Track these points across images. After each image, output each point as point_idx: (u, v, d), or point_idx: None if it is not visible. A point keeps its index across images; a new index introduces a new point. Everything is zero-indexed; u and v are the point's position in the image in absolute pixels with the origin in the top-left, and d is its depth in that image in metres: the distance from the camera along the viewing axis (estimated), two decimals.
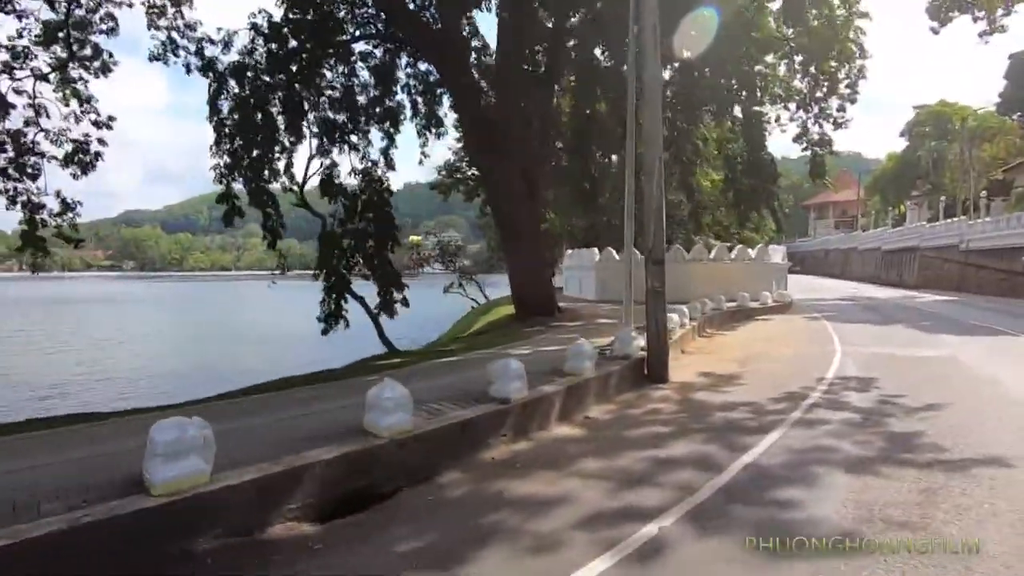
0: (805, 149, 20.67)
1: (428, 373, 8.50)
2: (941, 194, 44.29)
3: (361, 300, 13.79)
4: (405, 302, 14.70)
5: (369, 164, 14.98)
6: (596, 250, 22.70)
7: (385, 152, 17.14)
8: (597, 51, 15.24)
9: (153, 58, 14.87)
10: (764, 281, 20.62)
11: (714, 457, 5.16)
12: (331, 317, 14.08)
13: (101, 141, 13.60)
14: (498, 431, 5.57)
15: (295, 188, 15.94)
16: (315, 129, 15.03)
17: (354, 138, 14.91)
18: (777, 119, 22.52)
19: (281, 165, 16.14)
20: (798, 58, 20.03)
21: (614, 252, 21.93)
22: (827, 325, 15.38)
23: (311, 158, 15.39)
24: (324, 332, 14.30)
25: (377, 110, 16.95)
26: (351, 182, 15.86)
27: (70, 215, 12.46)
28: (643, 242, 8.65)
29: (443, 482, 4.70)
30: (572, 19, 14.35)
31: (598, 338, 9.44)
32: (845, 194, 73.88)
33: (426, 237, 37.47)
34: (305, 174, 14.83)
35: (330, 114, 15.16)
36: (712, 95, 15.68)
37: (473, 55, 15.61)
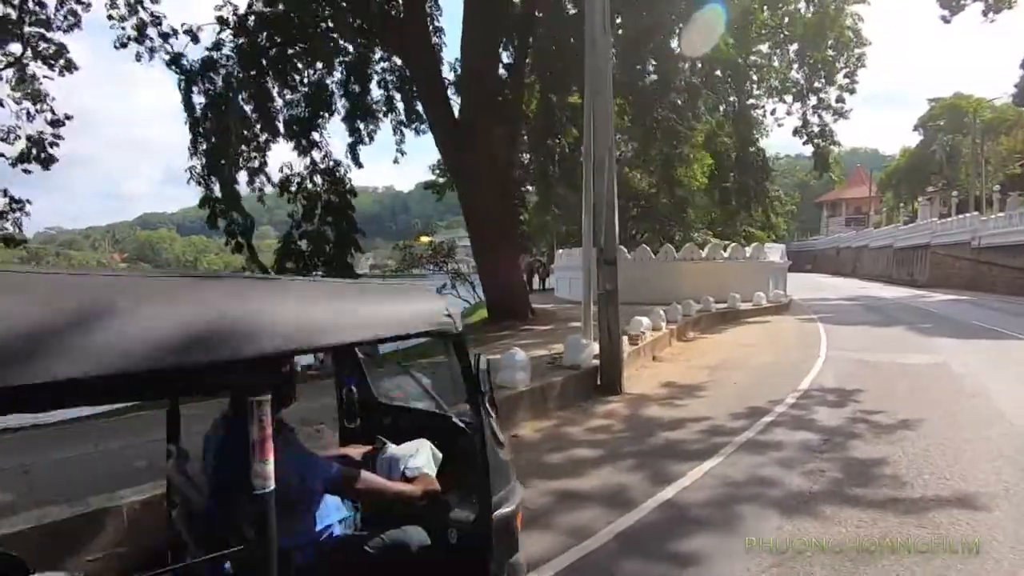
0: (806, 142, 19.74)
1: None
2: (956, 189, 42.80)
3: None
4: None
5: (331, 163, 14.36)
6: (578, 250, 21.88)
7: (352, 148, 16.57)
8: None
9: (121, 45, 14.28)
10: (760, 281, 19.70)
11: (632, 491, 4.44)
12: None
13: (56, 138, 13.16)
14: None
15: (270, 187, 15.36)
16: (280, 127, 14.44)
17: (316, 135, 14.31)
18: (773, 112, 21.68)
19: (257, 163, 15.66)
20: (792, 47, 19.11)
21: None
22: (820, 328, 14.49)
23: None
24: None
25: (348, 105, 16.38)
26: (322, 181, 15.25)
27: (16, 214, 12.01)
28: (595, 240, 7.90)
29: None
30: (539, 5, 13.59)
31: (561, 344, 8.73)
32: (859, 190, 72.31)
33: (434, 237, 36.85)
34: (251, 174, 14.12)
35: (294, 111, 14.53)
36: (693, 85, 14.78)
37: (439, 45, 14.93)
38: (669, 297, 16.97)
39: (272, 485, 1.38)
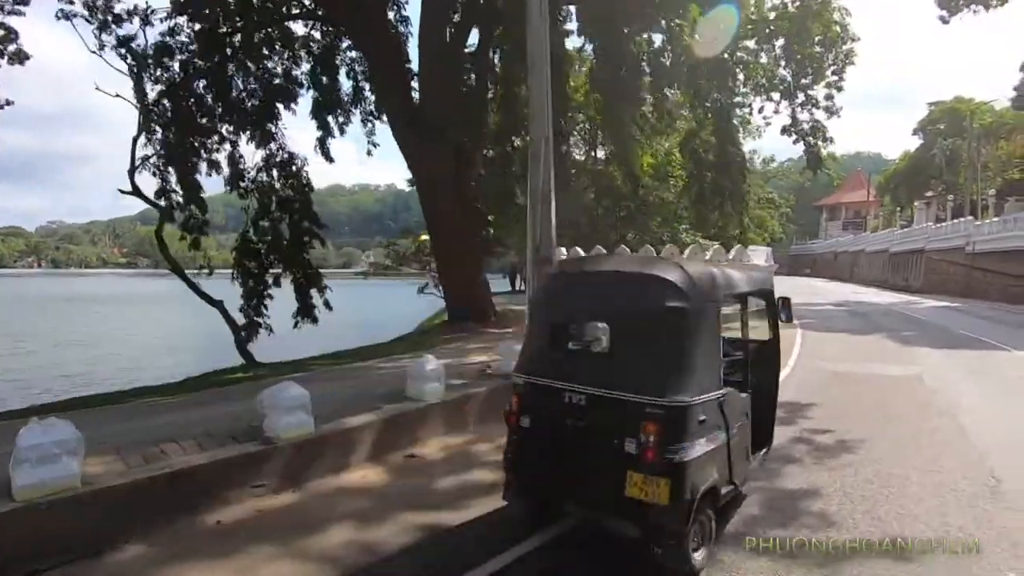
0: (796, 140, 19.04)
1: (223, 397, 7.06)
2: (957, 194, 42.02)
3: (219, 305, 12.41)
4: (327, 305, 13.37)
5: (286, 156, 13.68)
6: (563, 249, 21.18)
7: (322, 142, 15.93)
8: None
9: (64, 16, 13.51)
10: None
11: (513, 527, 3.79)
12: (249, 326, 12.74)
13: None
14: (251, 481, 4.26)
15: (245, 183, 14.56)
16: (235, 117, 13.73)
17: (271, 127, 13.58)
18: (761, 110, 20.99)
19: (222, 157, 14.97)
20: (779, 42, 18.43)
21: (580, 251, 20.48)
22: (798, 334, 13.80)
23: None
24: (243, 341, 12.70)
25: (317, 97, 15.73)
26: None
27: None
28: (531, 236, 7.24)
29: (114, 561, 3.41)
30: None
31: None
32: (858, 194, 71.51)
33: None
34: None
35: (252, 101, 13.83)
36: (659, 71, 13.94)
37: (405, 35, 14.25)
38: None
39: None
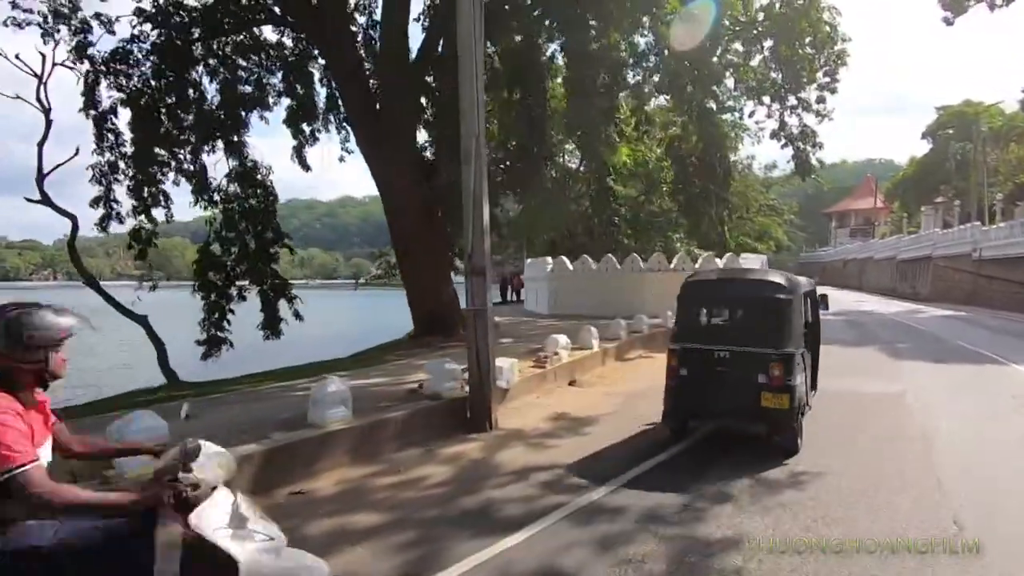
0: (784, 145, 18.41)
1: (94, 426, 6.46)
2: (968, 199, 40.90)
3: (143, 321, 11.92)
4: (297, 316, 12.90)
5: (249, 166, 13.24)
6: (549, 259, 20.66)
7: (298, 151, 15.52)
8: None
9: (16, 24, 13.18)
10: None
11: None
12: (210, 342, 12.31)
13: None
14: None
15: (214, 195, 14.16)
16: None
17: (235, 137, 13.17)
18: (752, 115, 20.39)
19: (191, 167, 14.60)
20: (768, 43, 17.85)
21: (567, 261, 19.91)
22: None
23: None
24: (204, 357, 12.37)
25: (292, 105, 15.37)
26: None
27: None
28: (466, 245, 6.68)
29: None
30: None
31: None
32: (868, 201, 70.22)
33: None
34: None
35: (220, 111, 13.44)
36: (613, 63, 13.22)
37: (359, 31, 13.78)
38: (634, 310, 15.74)
39: None
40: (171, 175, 14.10)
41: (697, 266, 18.83)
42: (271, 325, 12.76)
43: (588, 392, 8.65)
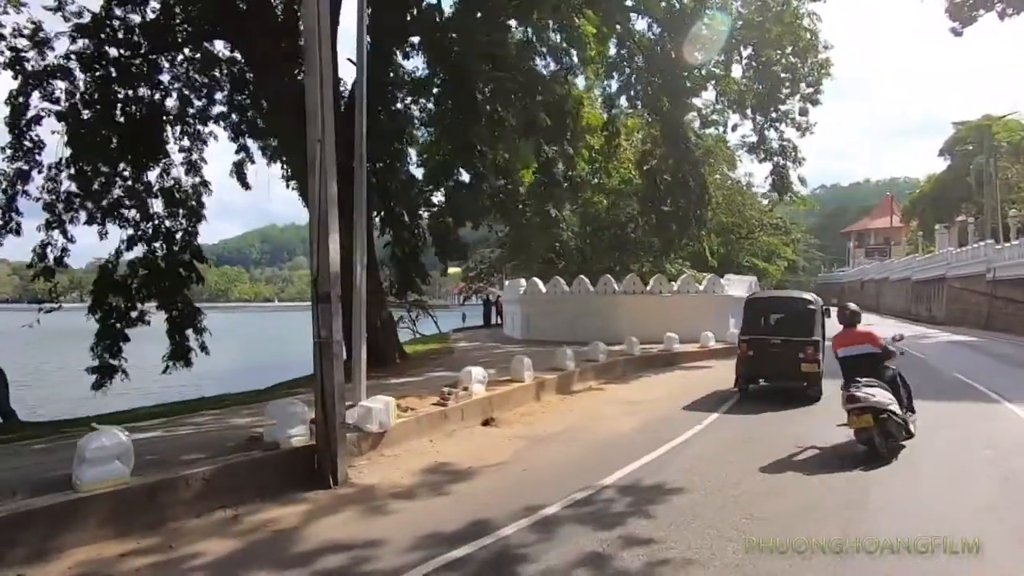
0: (763, 159, 17.29)
1: None
2: (979, 216, 38.89)
3: None
4: (203, 348, 11.99)
5: (171, 182, 12.56)
6: (523, 281, 19.64)
7: (239, 167, 14.92)
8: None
9: None
10: (716, 317, 16.98)
11: None
12: (101, 370, 11.34)
13: None
14: None
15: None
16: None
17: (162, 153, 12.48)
18: (735, 128, 19.31)
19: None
20: (746, 51, 16.84)
21: (539, 283, 18.87)
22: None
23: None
24: (95, 387, 11.35)
25: (236, 120, 14.84)
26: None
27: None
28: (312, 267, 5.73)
29: None
30: None
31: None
32: (887, 220, 67.94)
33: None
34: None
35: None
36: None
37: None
38: (608, 335, 14.65)
39: None
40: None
41: (675, 288, 17.66)
42: (178, 354, 11.81)
43: (494, 434, 7.55)
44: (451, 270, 36.86)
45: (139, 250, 11.76)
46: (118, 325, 11.39)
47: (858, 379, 6.23)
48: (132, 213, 11.73)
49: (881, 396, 6.00)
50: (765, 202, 38.71)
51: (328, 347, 5.52)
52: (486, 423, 8.07)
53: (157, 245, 11.82)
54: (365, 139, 6.96)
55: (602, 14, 11.91)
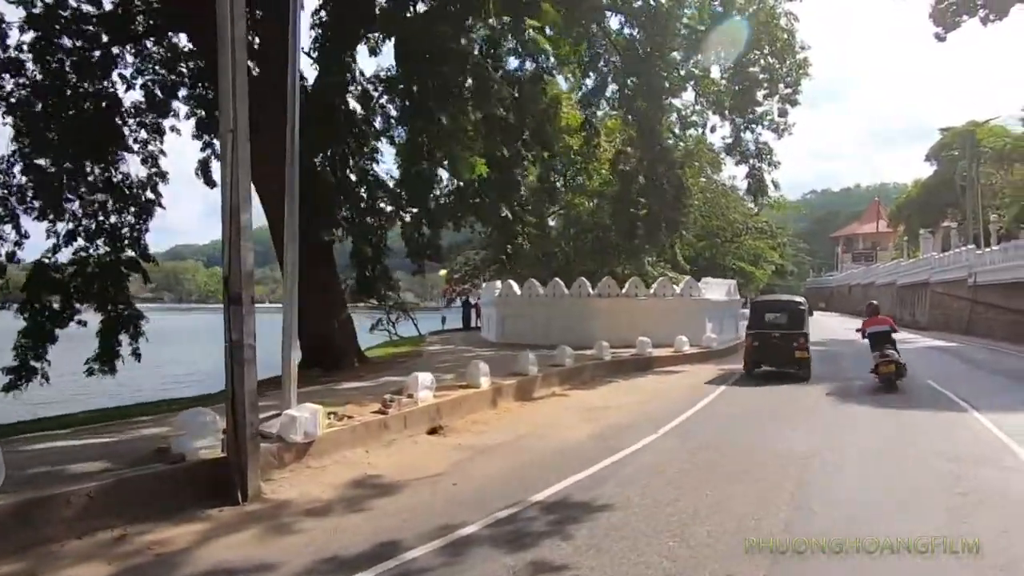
0: (739, 162, 17.06)
1: None
2: (970, 221, 38.91)
3: None
4: (136, 355, 11.33)
5: (120, 177, 12.04)
6: (498, 283, 19.28)
7: (204, 165, 14.44)
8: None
9: None
10: (692, 321, 16.70)
11: None
12: (21, 371, 10.57)
13: None
14: None
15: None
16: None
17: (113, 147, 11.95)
18: (714, 129, 19.08)
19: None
20: (723, 51, 16.61)
21: (515, 285, 18.52)
22: (723, 384, 11.63)
23: None
24: (5, 389, 10.58)
25: (202, 114, 14.38)
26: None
27: None
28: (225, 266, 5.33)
29: None
30: None
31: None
32: (874, 225, 68.19)
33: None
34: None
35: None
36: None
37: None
38: (582, 339, 14.34)
39: None
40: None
41: (652, 291, 17.36)
42: (105, 358, 11.21)
43: (438, 444, 7.17)
44: (443, 272, 36.38)
45: (83, 248, 11.17)
46: (48, 325, 10.81)
47: (885, 345, 10.76)
48: (75, 207, 11.18)
49: (896, 355, 10.63)
50: (751, 205, 38.71)
51: (239, 351, 5.13)
52: (433, 431, 7.70)
53: (100, 242, 11.28)
54: (297, 134, 6.58)
55: (563, 10, 11.55)
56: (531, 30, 10.74)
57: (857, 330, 12.02)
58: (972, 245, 27.10)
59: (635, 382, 12.11)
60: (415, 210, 15.14)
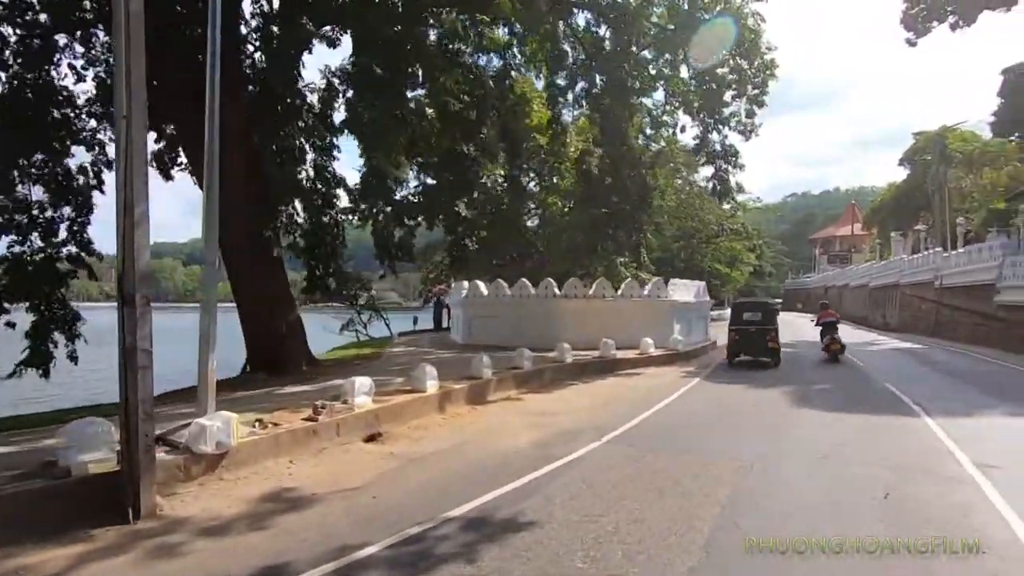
0: (705, 163, 16.95)
1: None
2: (938, 224, 39.53)
3: None
4: (71, 358, 10.63)
5: (61, 173, 11.43)
6: (466, 282, 18.94)
7: (159, 157, 13.89)
8: None
9: None
10: (659, 323, 16.53)
11: None
12: None
13: None
14: None
15: None
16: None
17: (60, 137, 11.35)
18: (684, 129, 18.95)
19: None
20: (692, 52, 16.46)
21: (481, 285, 18.21)
22: (682, 388, 11.45)
23: None
24: None
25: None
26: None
27: None
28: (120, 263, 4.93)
29: None
30: None
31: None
32: (850, 228, 69.16)
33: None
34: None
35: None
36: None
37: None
38: (548, 341, 14.09)
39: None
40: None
41: (619, 293, 17.16)
42: (38, 358, 10.63)
43: (371, 452, 6.83)
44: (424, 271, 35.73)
45: (15, 243, 10.55)
46: None
47: (832, 331, 15.60)
48: (4, 201, 10.57)
49: (839, 338, 15.28)
50: (726, 206, 38.84)
51: (133, 356, 4.75)
52: (371, 439, 7.35)
53: (33, 237, 10.68)
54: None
55: (520, 6, 11.26)
56: (485, 26, 10.43)
57: (812, 321, 17.13)
58: (939, 248, 27.43)
59: (594, 385, 11.87)
60: (369, 207, 14.77)
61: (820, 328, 16.11)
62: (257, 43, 11.35)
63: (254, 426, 6.51)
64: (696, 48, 16.30)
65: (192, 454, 5.48)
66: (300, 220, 13.03)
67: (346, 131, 13.42)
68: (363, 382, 7.71)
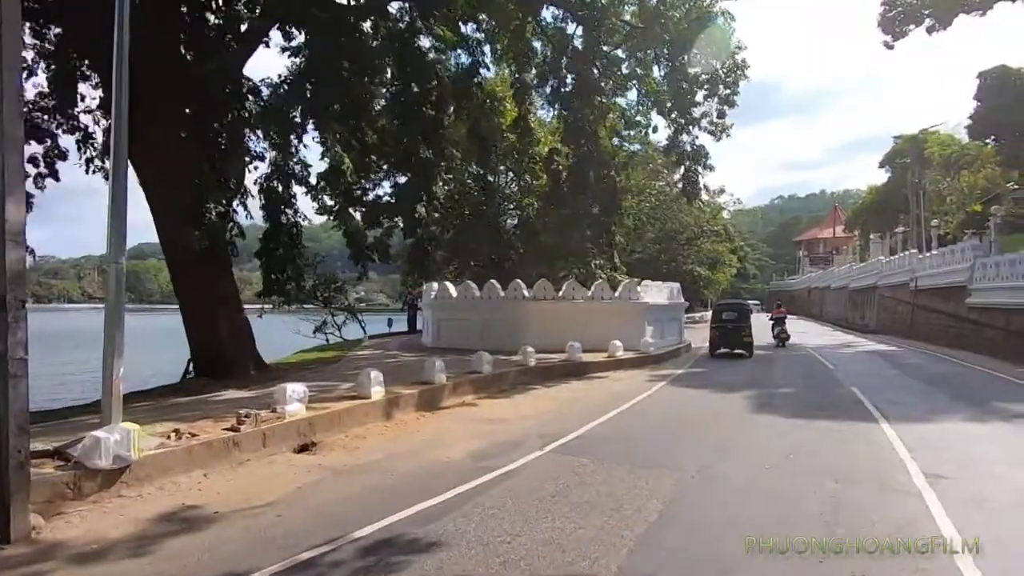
0: (677, 162, 16.73)
1: None
2: (914, 227, 39.82)
3: None
4: None
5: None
6: (435, 284, 18.57)
7: (106, 148, 13.37)
8: None
9: None
10: (630, 325, 16.27)
11: None
12: None
13: None
14: None
15: None
16: None
17: None
18: (656, 129, 18.72)
19: None
20: (664, 51, 16.22)
21: (450, 287, 17.84)
22: (645, 393, 11.18)
23: None
24: None
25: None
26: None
27: None
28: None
29: None
30: None
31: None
32: (837, 230, 69.66)
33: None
34: None
35: None
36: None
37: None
38: (518, 343, 13.77)
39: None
40: None
41: (589, 294, 16.88)
42: None
43: (298, 464, 6.43)
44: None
45: None
46: None
47: (782, 324, 21.19)
48: None
49: (787, 330, 21.17)
50: (707, 209, 38.76)
51: (3, 365, 4.33)
52: (303, 449, 6.97)
53: None
54: (126, 120, 5.82)
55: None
56: (439, 22, 10.10)
57: (768, 316, 22.36)
58: (915, 250, 27.50)
59: (555, 390, 11.54)
60: (340, 207, 14.42)
61: (772, 321, 21.55)
62: (191, 37, 10.88)
63: (168, 437, 6.10)
64: (666, 47, 16.10)
65: (86, 469, 5.06)
66: (253, 219, 12.58)
67: (299, 118, 13.04)
68: (295, 388, 7.32)
